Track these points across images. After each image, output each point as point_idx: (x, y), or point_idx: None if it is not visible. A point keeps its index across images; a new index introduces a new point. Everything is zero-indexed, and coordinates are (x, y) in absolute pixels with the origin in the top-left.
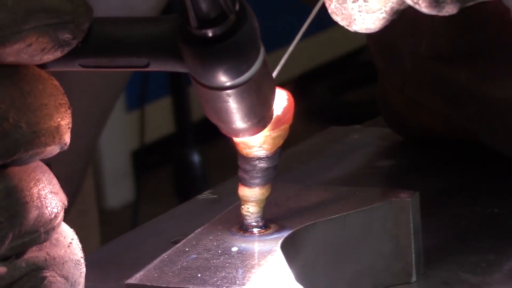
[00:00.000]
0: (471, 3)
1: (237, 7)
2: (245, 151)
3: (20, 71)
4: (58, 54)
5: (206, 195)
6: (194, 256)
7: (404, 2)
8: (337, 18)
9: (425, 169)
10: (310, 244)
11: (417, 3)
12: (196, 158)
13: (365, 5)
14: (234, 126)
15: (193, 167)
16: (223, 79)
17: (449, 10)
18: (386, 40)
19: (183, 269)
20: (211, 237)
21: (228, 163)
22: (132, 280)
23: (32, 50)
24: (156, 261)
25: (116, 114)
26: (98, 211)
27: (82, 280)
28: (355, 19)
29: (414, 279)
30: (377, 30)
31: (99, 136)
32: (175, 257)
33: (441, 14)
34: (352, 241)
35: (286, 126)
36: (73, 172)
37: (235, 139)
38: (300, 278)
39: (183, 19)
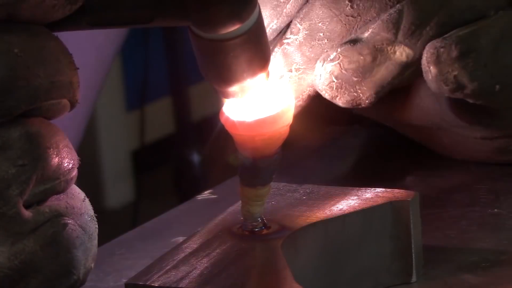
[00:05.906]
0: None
1: None
2: (245, 151)
3: (34, 27)
4: (67, 11)
5: (206, 195)
6: (194, 256)
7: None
8: None
9: (425, 169)
10: (310, 244)
11: (334, 98)
12: (196, 158)
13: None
14: (232, 81)
15: (193, 167)
16: (227, 25)
17: (364, 105)
18: None
19: (183, 269)
20: (211, 237)
21: (228, 163)
22: (132, 280)
23: (45, 7)
24: (156, 261)
25: (116, 114)
26: (98, 211)
27: (96, 235)
28: None
29: (414, 279)
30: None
31: (97, 99)
32: (175, 257)
33: (357, 108)
34: (352, 241)
35: (286, 126)
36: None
37: (235, 139)
38: (300, 278)
39: None
